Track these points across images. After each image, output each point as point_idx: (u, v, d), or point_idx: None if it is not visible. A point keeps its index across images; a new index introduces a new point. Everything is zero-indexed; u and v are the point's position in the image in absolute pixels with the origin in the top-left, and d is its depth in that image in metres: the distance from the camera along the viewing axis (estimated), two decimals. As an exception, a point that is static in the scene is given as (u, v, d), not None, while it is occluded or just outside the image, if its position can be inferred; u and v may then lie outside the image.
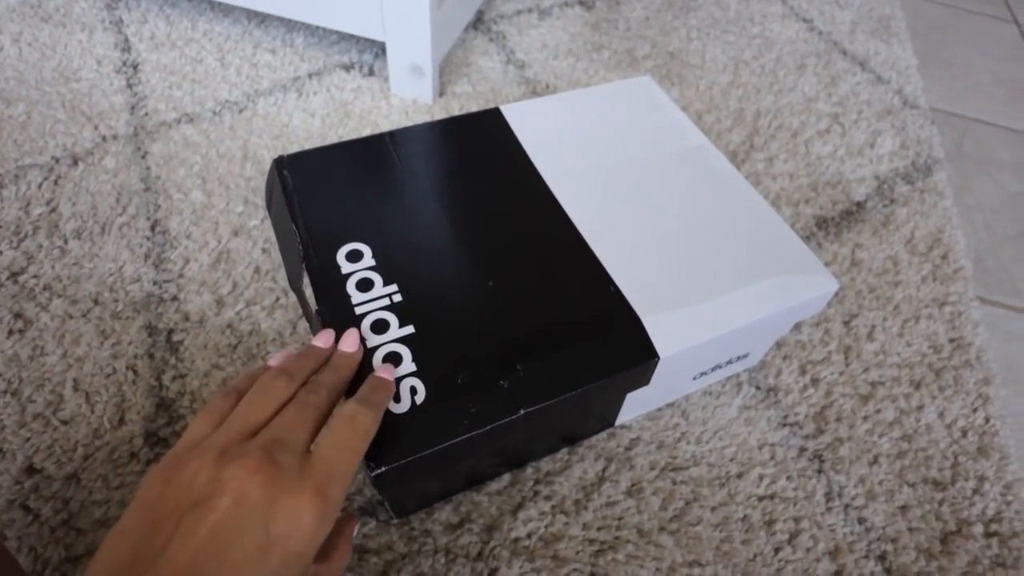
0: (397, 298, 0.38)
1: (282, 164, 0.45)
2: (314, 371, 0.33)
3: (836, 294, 0.58)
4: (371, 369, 0.35)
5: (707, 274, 0.41)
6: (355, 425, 0.30)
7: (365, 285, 0.39)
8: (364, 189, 0.44)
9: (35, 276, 0.53)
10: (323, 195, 0.44)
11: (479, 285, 0.39)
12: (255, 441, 0.28)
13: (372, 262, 0.40)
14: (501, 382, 0.35)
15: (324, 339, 0.35)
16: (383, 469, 0.32)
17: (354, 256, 0.40)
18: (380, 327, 0.37)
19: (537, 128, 0.50)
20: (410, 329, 0.37)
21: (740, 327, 0.39)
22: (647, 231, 0.44)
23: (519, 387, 0.35)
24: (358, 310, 0.37)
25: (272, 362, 0.34)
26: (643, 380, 0.39)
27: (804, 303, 0.42)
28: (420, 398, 0.34)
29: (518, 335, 0.37)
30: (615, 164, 0.48)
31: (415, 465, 0.33)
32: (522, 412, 0.34)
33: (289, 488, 0.26)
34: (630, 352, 0.37)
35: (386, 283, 0.39)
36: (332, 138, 0.66)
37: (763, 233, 0.44)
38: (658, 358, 0.37)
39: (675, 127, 0.51)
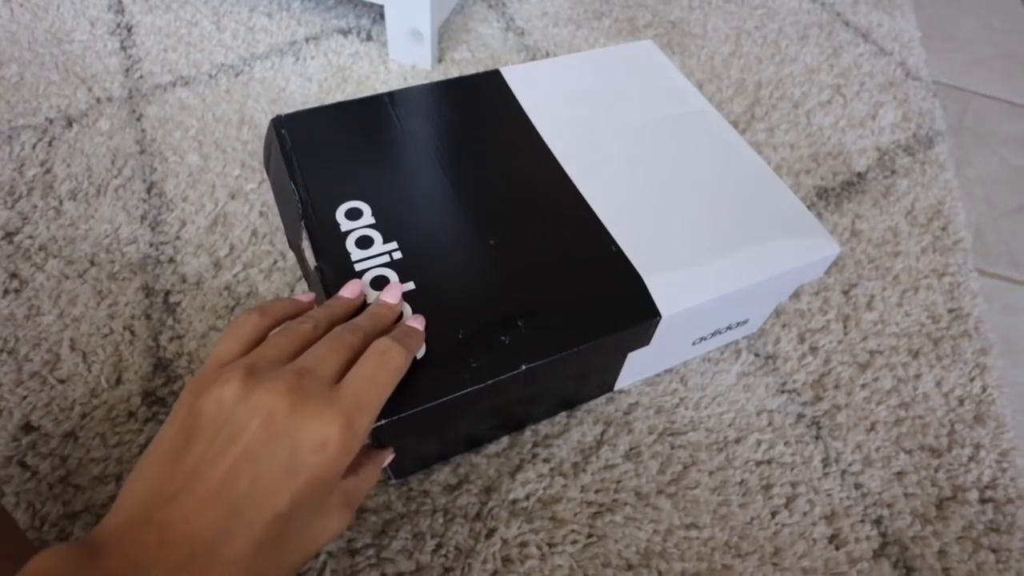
0: (397, 255, 0.38)
1: (280, 123, 0.45)
2: (340, 320, 0.33)
3: (836, 262, 0.57)
4: None
5: (709, 235, 0.41)
6: (387, 360, 0.30)
7: (365, 242, 0.38)
8: (363, 148, 0.44)
9: (30, 236, 0.52)
10: (322, 154, 0.43)
11: (480, 243, 0.39)
12: (285, 367, 0.28)
13: (372, 220, 0.39)
14: (502, 338, 0.35)
15: (351, 290, 0.35)
16: (383, 422, 0.31)
17: (353, 214, 0.40)
18: (380, 284, 0.36)
19: (538, 90, 0.49)
20: (410, 286, 0.36)
21: (742, 288, 0.39)
22: (649, 192, 0.43)
23: (520, 343, 0.35)
24: (358, 267, 0.37)
25: (303, 298, 0.34)
26: (644, 339, 0.39)
27: (806, 266, 0.41)
28: (420, 353, 0.34)
29: (519, 293, 0.37)
30: (616, 126, 0.47)
31: (415, 419, 0.32)
32: (523, 368, 0.34)
33: (316, 414, 0.26)
34: (632, 310, 0.37)
35: (386, 240, 0.38)
36: (329, 103, 0.65)
37: (765, 196, 0.44)
38: (660, 317, 0.37)
39: (677, 91, 0.51)
